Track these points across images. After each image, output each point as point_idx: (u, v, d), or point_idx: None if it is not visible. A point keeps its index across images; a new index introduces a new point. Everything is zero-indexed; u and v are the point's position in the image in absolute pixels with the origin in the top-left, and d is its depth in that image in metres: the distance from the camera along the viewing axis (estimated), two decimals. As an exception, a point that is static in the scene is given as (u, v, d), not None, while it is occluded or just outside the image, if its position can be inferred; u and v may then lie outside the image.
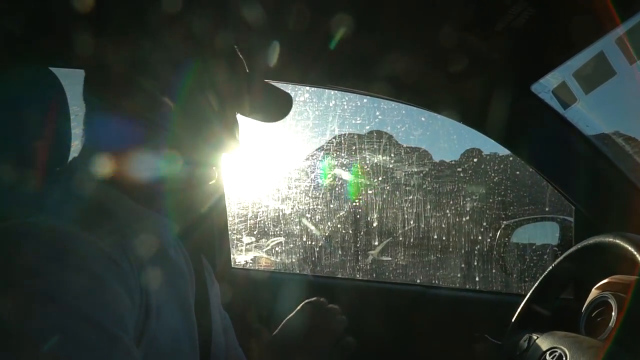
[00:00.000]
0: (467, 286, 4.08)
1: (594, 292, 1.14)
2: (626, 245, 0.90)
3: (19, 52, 1.07)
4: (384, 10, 0.96)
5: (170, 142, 0.74)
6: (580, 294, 1.44)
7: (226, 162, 0.83)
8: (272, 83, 0.89)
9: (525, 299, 1.15)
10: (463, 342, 1.53)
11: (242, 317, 1.15)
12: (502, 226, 1.69)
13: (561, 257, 1.10)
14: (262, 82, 0.82)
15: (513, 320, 1.14)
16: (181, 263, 0.83)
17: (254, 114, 0.89)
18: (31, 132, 0.83)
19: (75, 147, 0.93)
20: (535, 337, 1.02)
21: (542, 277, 1.14)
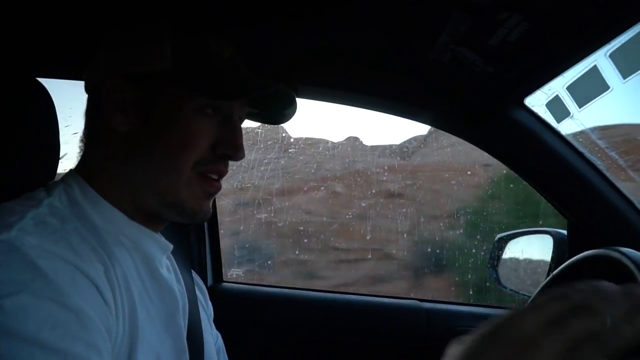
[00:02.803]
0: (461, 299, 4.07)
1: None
2: (622, 260, 0.89)
3: (5, 63, 1.06)
4: (377, 21, 0.96)
5: (165, 159, 0.73)
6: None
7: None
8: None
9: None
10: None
11: (235, 332, 1.13)
12: (496, 239, 1.69)
13: (556, 271, 1.09)
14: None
15: None
16: (172, 283, 0.80)
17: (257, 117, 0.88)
18: (18, 143, 0.82)
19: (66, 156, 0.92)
20: None
21: (537, 291, 1.13)
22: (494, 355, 0.40)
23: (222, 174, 0.78)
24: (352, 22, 0.98)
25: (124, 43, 0.75)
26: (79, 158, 0.79)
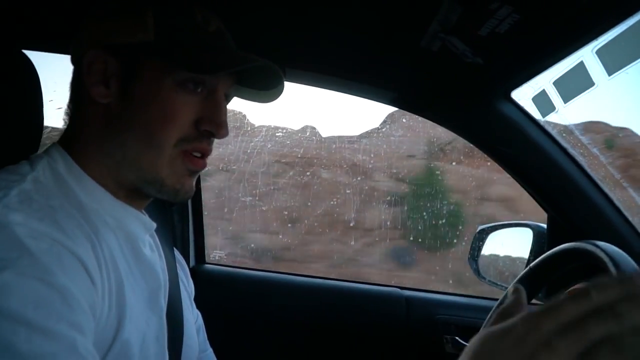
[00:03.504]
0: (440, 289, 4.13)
1: (564, 299, 1.16)
2: (597, 253, 0.91)
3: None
4: (369, 7, 0.96)
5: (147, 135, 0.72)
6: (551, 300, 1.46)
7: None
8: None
9: (497, 304, 1.16)
10: (435, 345, 1.54)
11: (215, 315, 1.13)
12: (477, 230, 1.71)
13: (533, 263, 1.11)
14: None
15: (485, 322, 1.15)
16: (155, 262, 0.80)
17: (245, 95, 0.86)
18: (0, 116, 0.80)
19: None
20: None
21: (514, 282, 1.15)
22: (507, 356, 0.40)
23: (205, 152, 0.77)
24: (344, 8, 0.98)
25: (108, 14, 0.73)
26: (63, 131, 0.78)
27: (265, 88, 0.84)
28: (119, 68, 0.72)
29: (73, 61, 0.78)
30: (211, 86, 0.75)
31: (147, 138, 0.71)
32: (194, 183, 0.78)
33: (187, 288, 0.97)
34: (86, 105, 0.74)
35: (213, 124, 0.75)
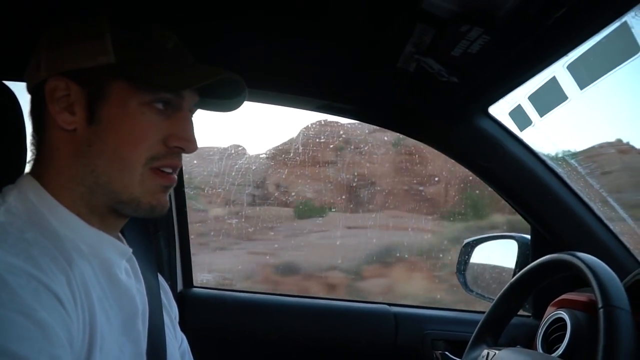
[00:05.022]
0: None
1: (549, 309, 1.17)
2: (578, 264, 0.93)
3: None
4: (343, 30, 0.98)
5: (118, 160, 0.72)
6: (538, 311, 1.47)
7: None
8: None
9: (485, 315, 1.17)
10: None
11: (205, 338, 1.12)
12: (463, 244, 1.72)
13: (517, 276, 1.13)
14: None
15: (472, 336, 1.16)
16: (131, 287, 0.79)
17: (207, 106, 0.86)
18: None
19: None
20: (493, 353, 1.03)
21: (500, 294, 1.16)
22: None
23: (176, 167, 0.77)
24: (322, 32, 1.00)
25: (64, 39, 0.73)
26: (32, 161, 0.77)
27: (227, 97, 0.84)
28: (83, 93, 0.71)
29: (29, 89, 0.77)
30: (177, 103, 0.75)
31: (117, 161, 0.72)
32: (167, 198, 0.79)
33: (170, 313, 0.96)
34: (52, 133, 0.74)
35: (183, 140, 0.75)
